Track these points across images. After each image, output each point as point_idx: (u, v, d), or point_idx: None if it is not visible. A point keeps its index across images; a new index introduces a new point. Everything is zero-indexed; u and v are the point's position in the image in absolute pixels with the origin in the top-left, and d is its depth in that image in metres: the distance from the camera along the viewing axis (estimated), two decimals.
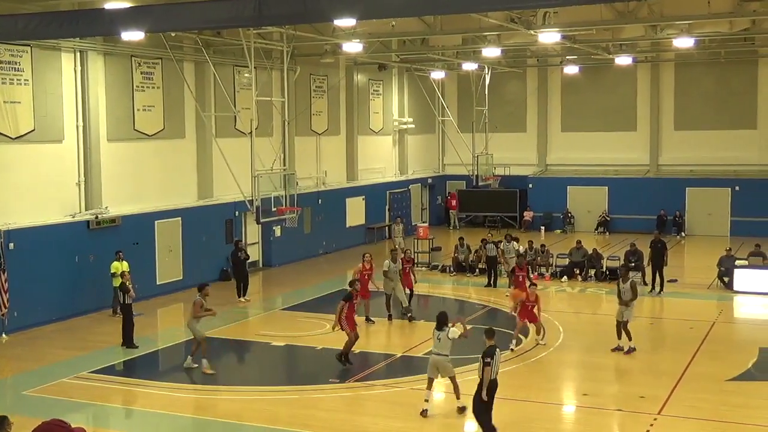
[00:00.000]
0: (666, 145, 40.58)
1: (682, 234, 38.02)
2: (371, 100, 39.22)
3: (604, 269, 28.10)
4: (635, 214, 39.00)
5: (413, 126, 42.09)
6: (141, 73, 26.00)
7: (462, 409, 14.87)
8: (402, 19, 25.25)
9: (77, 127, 23.93)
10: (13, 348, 20.24)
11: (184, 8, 13.93)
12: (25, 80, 22.29)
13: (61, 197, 23.55)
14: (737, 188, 38.08)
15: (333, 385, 17.06)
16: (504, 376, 16.48)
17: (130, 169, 25.78)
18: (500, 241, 27.81)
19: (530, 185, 41.70)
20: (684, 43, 28.76)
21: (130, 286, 20.25)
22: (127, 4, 16.30)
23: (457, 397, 15.06)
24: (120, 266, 22.65)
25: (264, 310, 24.84)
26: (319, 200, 34.05)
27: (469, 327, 16.04)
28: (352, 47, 28.50)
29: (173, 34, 24.75)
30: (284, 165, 28.40)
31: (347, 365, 17.82)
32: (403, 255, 23.78)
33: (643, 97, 40.83)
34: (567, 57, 37.79)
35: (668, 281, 26.32)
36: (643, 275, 26.49)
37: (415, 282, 23.93)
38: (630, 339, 19.08)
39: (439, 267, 30.30)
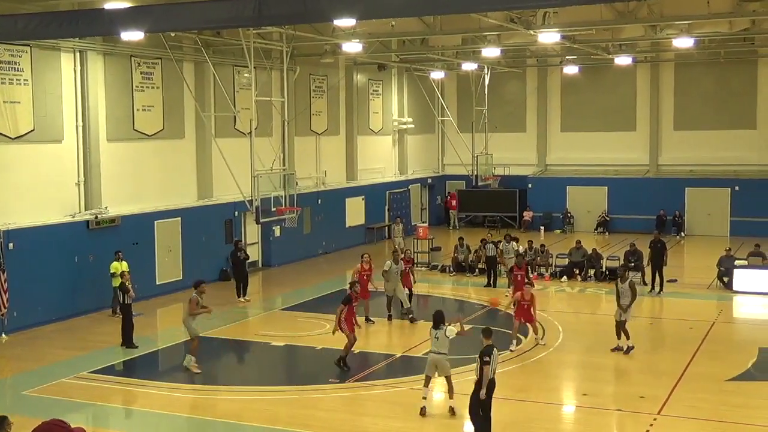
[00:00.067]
0: (666, 145, 40.59)
1: (682, 234, 38.03)
2: (371, 100, 39.22)
3: (604, 269, 28.10)
4: (635, 214, 39.00)
5: (413, 126, 42.10)
6: (141, 73, 26.00)
7: (452, 410, 14.86)
8: (402, 19, 25.25)
9: (77, 127, 23.93)
10: (12, 348, 20.24)
11: (184, 8, 13.92)
12: (24, 80, 22.29)
13: (61, 197, 23.55)
14: (737, 188, 38.08)
15: (333, 385, 17.06)
16: (504, 376, 16.51)
17: (130, 169, 25.78)
18: (500, 241, 27.80)
19: (530, 185, 41.70)
20: (684, 43, 28.77)
21: (130, 286, 20.26)
22: (127, 4, 16.30)
23: (450, 397, 15.06)
24: (120, 266, 22.65)
25: (264, 310, 24.84)
26: (319, 200, 34.06)
27: (467, 327, 16.02)
28: (352, 47, 28.51)
29: (173, 34, 24.75)
30: (284, 165, 28.40)
31: (345, 369, 17.77)
32: (402, 255, 23.79)
33: (642, 97, 40.84)
34: (567, 57, 37.79)
35: (668, 281, 26.32)
36: (643, 275, 26.49)
37: (415, 282, 23.96)
38: (628, 338, 19.08)
39: (439, 267, 30.30)
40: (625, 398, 16.12)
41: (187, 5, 13.85)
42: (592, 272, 28.05)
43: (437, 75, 40.14)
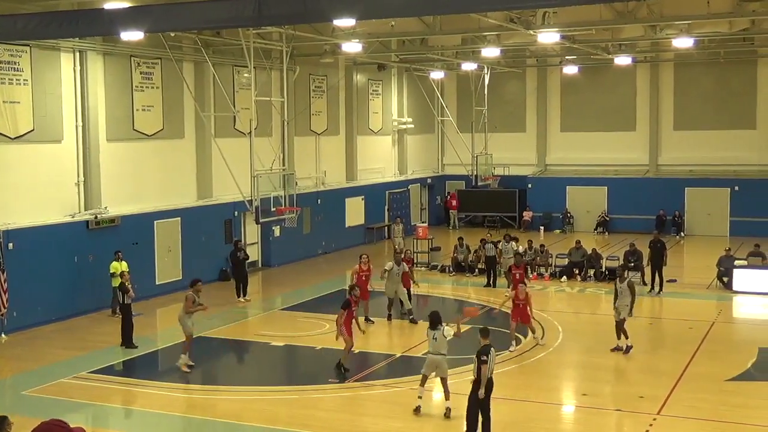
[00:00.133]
0: (665, 145, 40.59)
1: (682, 234, 38.03)
2: (370, 100, 39.22)
3: (604, 269, 28.10)
4: (634, 214, 39.00)
5: (412, 126, 42.10)
6: (140, 73, 26.00)
7: (448, 411, 14.84)
8: (401, 19, 25.26)
9: (76, 127, 23.92)
10: (12, 348, 20.24)
11: (183, 8, 13.92)
12: (24, 80, 22.29)
13: (61, 197, 23.55)
14: (736, 188, 38.08)
15: (332, 385, 17.06)
16: (503, 376, 16.52)
17: (130, 169, 25.77)
18: (499, 241, 27.80)
19: (529, 185, 41.70)
20: (683, 43, 28.76)
21: (130, 286, 20.26)
22: (127, 4, 16.30)
23: (446, 399, 15.04)
24: (119, 266, 22.66)
25: (263, 310, 24.83)
26: (319, 200, 34.05)
27: (465, 328, 15.96)
28: (352, 47, 28.51)
29: (172, 34, 24.75)
30: (283, 165, 28.39)
31: (345, 372, 17.72)
32: (402, 256, 23.77)
33: (642, 97, 40.84)
34: (566, 57, 37.79)
35: (667, 281, 26.31)
36: (643, 275, 26.48)
37: (414, 282, 23.87)
38: (627, 338, 19.07)
39: (439, 267, 30.30)
40: (624, 398, 16.12)
41: (187, 5, 13.85)
42: (591, 272, 28.05)
43: (437, 75, 40.15)
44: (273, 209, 26.26)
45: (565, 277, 28.21)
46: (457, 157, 40.54)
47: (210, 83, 28.21)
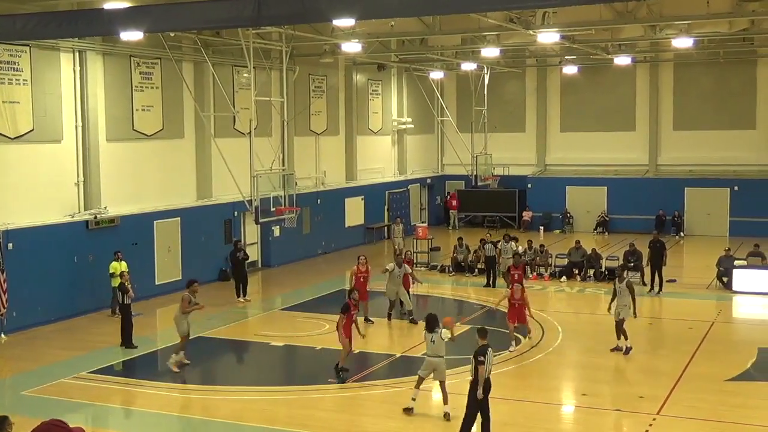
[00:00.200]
0: (665, 145, 40.60)
1: (681, 234, 38.04)
2: (370, 100, 39.22)
3: (603, 269, 28.10)
4: (634, 214, 39.00)
5: (412, 126, 42.09)
6: (140, 73, 26.00)
7: (447, 415, 14.82)
8: (401, 19, 25.25)
9: (76, 127, 23.92)
10: (12, 348, 20.23)
11: (183, 8, 13.93)
12: (24, 80, 22.29)
13: (60, 197, 23.54)
14: (736, 188, 38.09)
15: (332, 385, 17.05)
16: (503, 376, 16.53)
17: (129, 169, 25.77)
18: (499, 241, 27.80)
19: (529, 185, 41.71)
20: (683, 43, 28.76)
21: (129, 286, 20.27)
22: (126, 4, 16.30)
23: (445, 402, 15.00)
24: (119, 266, 22.65)
25: (263, 311, 24.83)
26: (318, 200, 34.05)
27: (461, 330, 15.88)
28: (351, 47, 28.51)
29: (172, 34, 24.74)
30: (283, 165, 28.37)
31: (342, 375, 17.68)
32: (403, 257, 23.76)
33: (642, 97, 40.85)
34: (566, 57, 37.80)
35: (667, 281, 26.31)
36: (642, 275, 26.48)
37: (412, 283, 23.85)
38: (626, 338, 19.06)
39: (438, 267, 30.30)
40: (624, 398, 16.12)
41: (186, 5, 13.85)
42: (591, 272, 28.05)
43: (437, 75, 40.15)
44: (273, 209, 26.25)
45: (564, 277, 28.21)
46: (456, 157, 40.53)
47: (210, 83, 28.21)
